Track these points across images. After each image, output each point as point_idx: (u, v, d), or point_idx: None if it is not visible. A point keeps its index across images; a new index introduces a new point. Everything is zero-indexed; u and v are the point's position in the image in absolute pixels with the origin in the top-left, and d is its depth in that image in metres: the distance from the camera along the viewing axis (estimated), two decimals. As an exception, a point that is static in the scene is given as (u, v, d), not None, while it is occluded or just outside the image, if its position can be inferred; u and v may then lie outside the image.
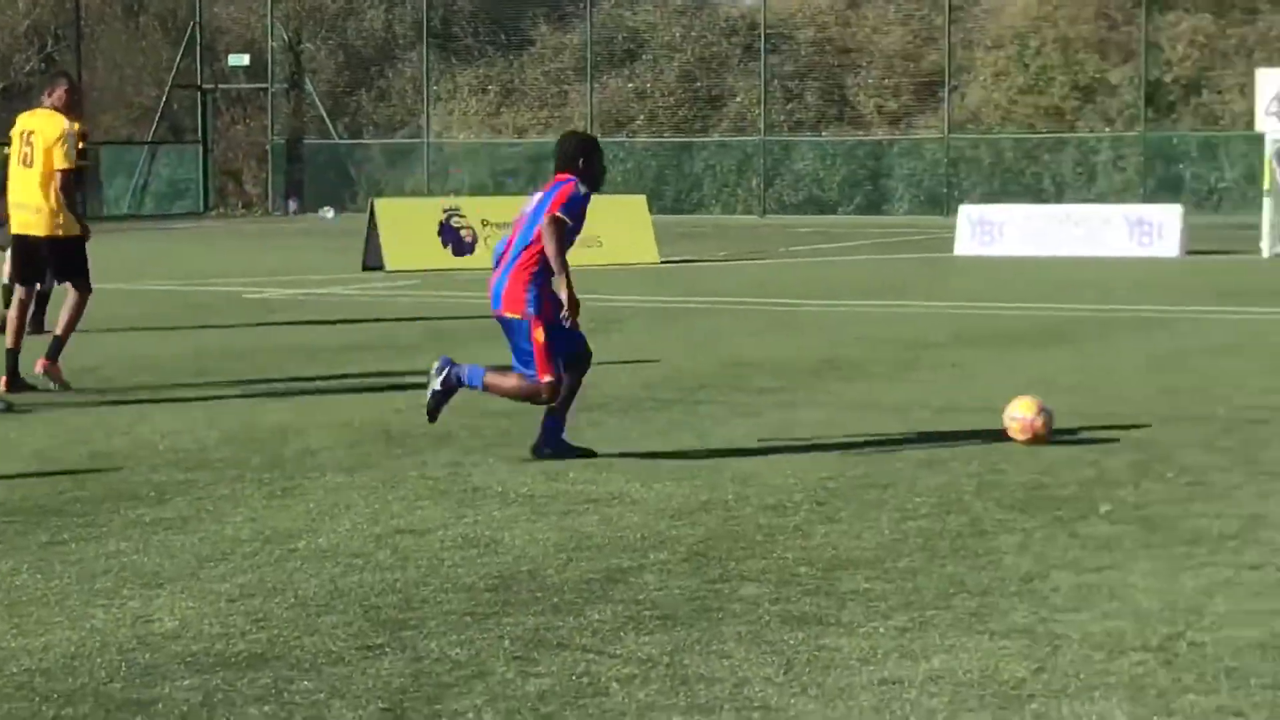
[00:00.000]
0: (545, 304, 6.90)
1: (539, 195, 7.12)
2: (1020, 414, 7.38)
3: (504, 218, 17.96)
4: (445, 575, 5.05)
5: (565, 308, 6.86)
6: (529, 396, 7.09)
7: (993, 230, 23.80)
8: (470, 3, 32.56)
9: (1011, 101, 32.34)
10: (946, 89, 32.00)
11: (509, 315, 6.98)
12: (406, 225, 20.78)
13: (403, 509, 6.13)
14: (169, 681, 3.86)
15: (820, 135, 33.29)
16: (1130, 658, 4.04)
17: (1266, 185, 22.58)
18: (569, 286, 6.83)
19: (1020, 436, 7.36)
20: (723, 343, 12.41)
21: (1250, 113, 24.84)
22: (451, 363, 7.11)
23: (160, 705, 3.69)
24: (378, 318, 14.74)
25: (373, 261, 19.87)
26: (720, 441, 7.70)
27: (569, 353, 7.05)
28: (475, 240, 20.26)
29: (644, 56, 33.26)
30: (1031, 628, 4.34)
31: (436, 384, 7.06)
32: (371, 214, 20.45)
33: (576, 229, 7.05)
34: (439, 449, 7.40)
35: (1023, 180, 30.96)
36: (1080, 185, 30.66)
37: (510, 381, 7.14)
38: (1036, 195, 29.56)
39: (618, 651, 4.17)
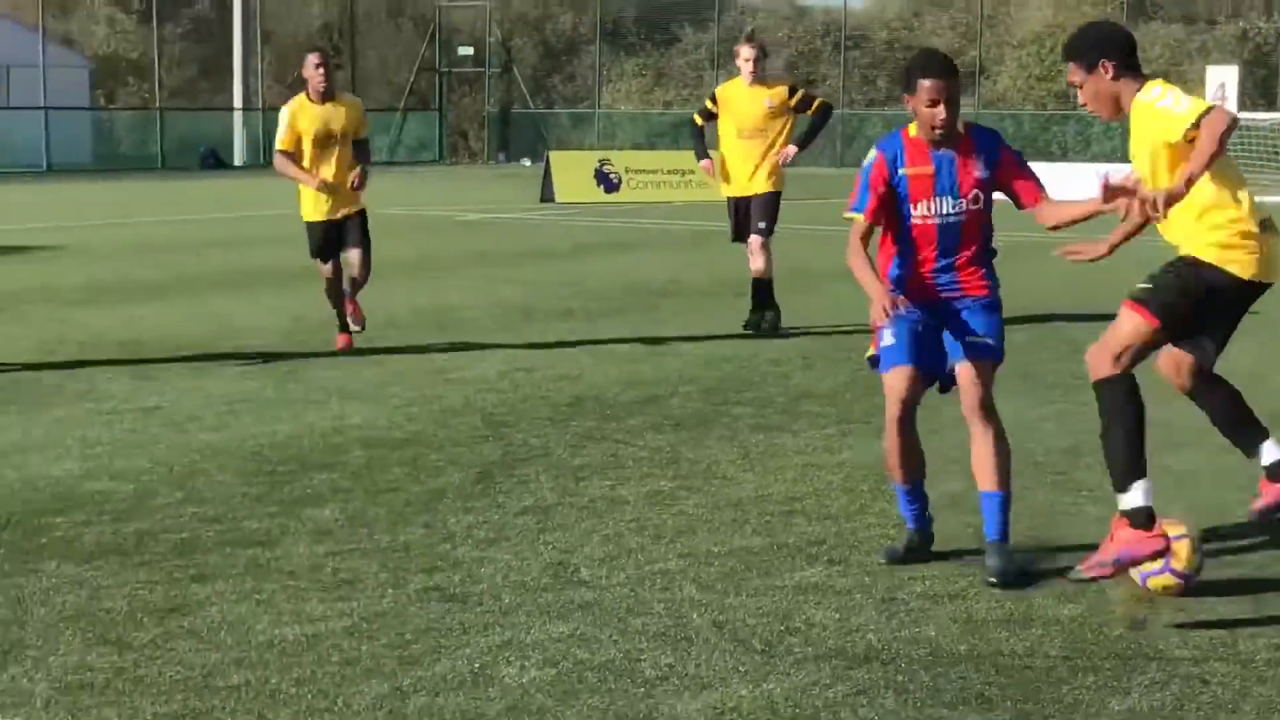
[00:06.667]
0: None
1: None
2: None
3: (645, 166, 26.87)
4: (539, 397, 7.37)
5: None
6: None
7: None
8: (634, 9, 44.22)
9: (1030, 87, 40.06)
10: (977, 78, 38.97)
11: None
12: (573, 169, 26.65)
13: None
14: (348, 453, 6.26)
15: (886, 110, 40.00)
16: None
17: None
18: None
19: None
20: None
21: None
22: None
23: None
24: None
25: (548, 195, 24.92)
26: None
27: None
28: (620, 181, 25.95)
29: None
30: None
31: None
32: (547, 162, 26.26)
33: None
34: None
35: (1036, 145, 36.88)
36: (1080, 149, 37.29)
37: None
38: (1047, 157, 34.49)
39: (638, 443, 6.32)
